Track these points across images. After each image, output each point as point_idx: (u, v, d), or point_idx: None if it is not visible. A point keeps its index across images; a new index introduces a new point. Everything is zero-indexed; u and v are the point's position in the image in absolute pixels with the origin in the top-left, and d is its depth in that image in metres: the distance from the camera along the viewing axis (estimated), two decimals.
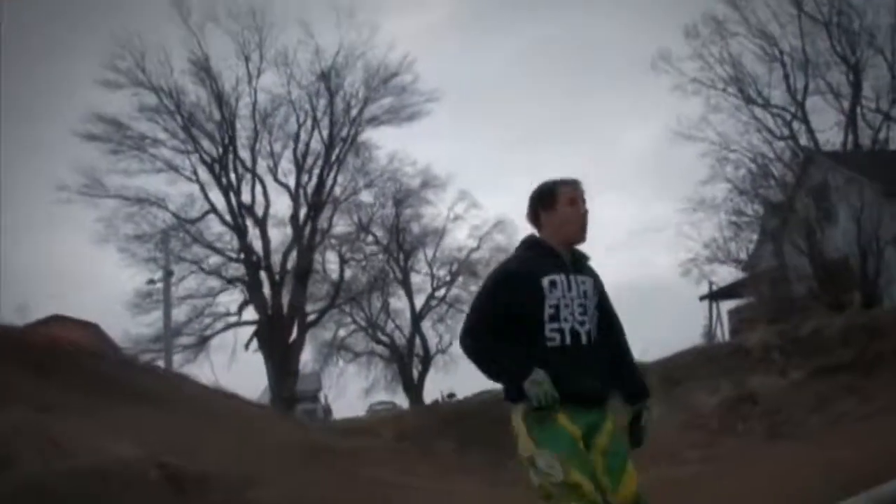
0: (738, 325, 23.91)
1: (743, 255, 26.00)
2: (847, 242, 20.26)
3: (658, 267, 56.58)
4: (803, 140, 28.64)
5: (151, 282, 27.29)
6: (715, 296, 27.38)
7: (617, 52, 59.89)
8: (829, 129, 28.99)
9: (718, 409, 12.72)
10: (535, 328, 3.23)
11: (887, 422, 10.25)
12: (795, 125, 29.03)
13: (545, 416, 3.13)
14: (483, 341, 3.27)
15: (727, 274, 26.54)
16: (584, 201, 3.47)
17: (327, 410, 30.73)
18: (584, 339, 3.27)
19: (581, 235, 3.44)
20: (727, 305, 27.63)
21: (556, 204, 3.39)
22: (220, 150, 28.62)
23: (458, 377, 31.15)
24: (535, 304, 3.23)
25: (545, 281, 3.25)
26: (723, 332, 26.16)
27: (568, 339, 3.23)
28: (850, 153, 27.17)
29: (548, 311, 3.22)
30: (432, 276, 32.75)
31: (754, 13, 28.93)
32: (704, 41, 29.06)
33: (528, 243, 3.46)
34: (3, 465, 7.93)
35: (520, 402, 3.18)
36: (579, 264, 3.42)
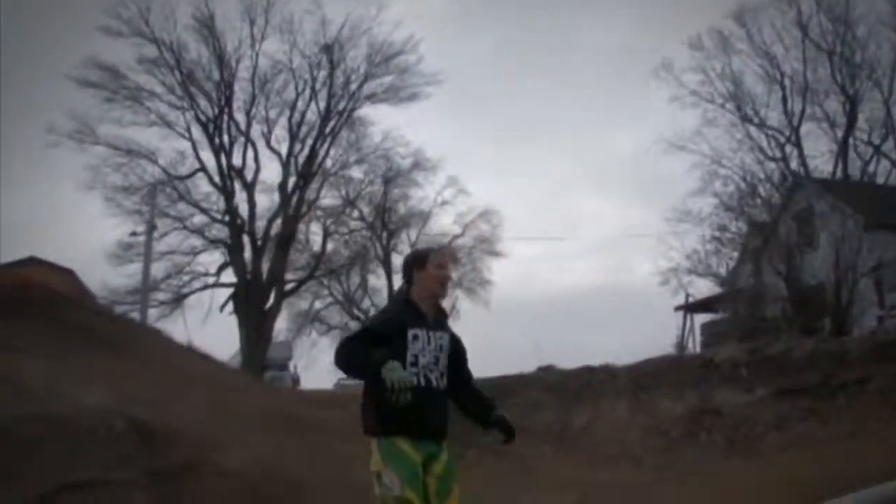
0: (710, 338, 24.16)
1: (722, 271, 26.28)
2: (825, 269, 20.51)
3: (637, 273, 57.00)
4: (794, 164, 29.02)
5: (134, 234, 27.26)
6: (690, 308, 27.63)
7: (619, 55, 60.04)
8: (820, 156, 29.38)
9: (682, 418, 12.89)
10: None
11: (842, 446, 10.48)
12: (788, 148, 29.40)
13: (392, 444, 3.88)
14: (355, 345, 3.96)
15: (704, 287, 26.83)
16: (449, 266, 4.37)
17: (296, 380, 30.80)
18: (434, 383, 4.02)
19: (443, 292, 4.28)
20: (701, 318, 27.91)
21: (427, 266, 4.18)
22: (216, 110, 28.53)
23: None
24: (400, 349, 3.93)
25: (410, 334, 4.00)
26: (694, 344, 26.44)
27: (422, 382, 3.94)
28: (838, 182, 27.50)
29: (409, 358, 3.94)
30: None
31: (759, 32, 29.23)
32: (708, 54, 29.30)
33: (404, 302, 4.19)
34: None
35: (377, 432, 3.93)
36: (440, 322, 4.21)
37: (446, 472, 4.04)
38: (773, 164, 28.89)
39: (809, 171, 28.24)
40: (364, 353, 3.85)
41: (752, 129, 29.46)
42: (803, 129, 29.26)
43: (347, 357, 3.93)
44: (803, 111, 29.17)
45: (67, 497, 7.07)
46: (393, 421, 3.85)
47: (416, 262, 4.23)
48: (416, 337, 4.02)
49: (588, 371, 14.65)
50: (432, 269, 4.18)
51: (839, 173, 28.61)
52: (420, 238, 31.72)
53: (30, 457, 7.51)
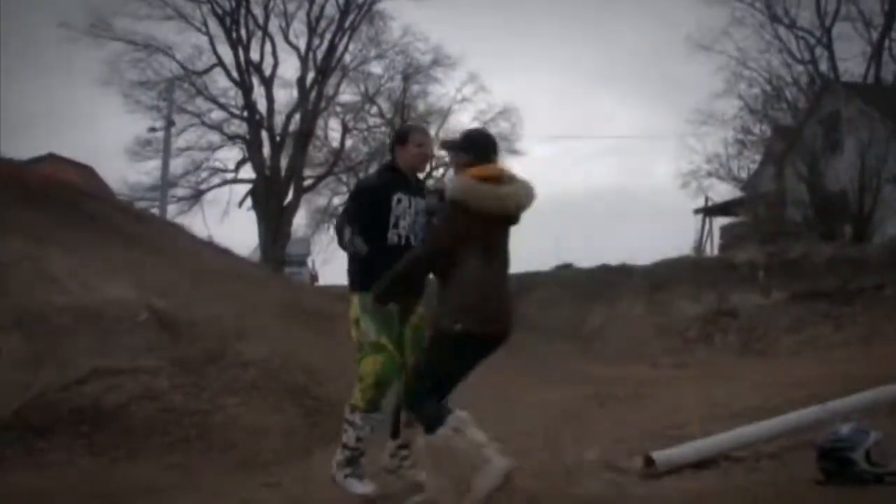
0: (729, 241, 24.15)
1: (743, 175, 26.05)
2: (849, 175, 20.27)
3: (657, 175, 56.60)
4: (823, 67, 28.18)
5: (152, 130, 27.11)
6: (710, 211, 27.54)
7: None
8: (852, 59, 28.56)
9: (698, 319, 13.05)
10: (382, 228, 4.51)
11: (857, 350, 10.60)
12: (818, 51, 28.48)
13: (370, 296, 4.31)
14: (342, 225, 4.59)
15: (725, 191, 26.66)
16: (428, 144, 4.85)
17: (314, 276, 31.15)
18: (413, 243, 4.53)
19: (421, 166, 4.87)
20: (720, 222, 27.86)
21: (408, 143, 4.70)
22: (233, 3, 27.96)
23: None
24: (385, 211, 4.52)
25: (394, 198, 4.54)
26: (713, 247, 26.47)
27: (403, 241, 4.51)
28: (869, 86, 26.77)
29: (391, 220, 4.52)
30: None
31: None
32: None
33: (388, 166, 4.78)
34: (3, 293, 8.15)
35: (358, 287, 4.50)
36: (419, 189, 4.71)
37: (421, 323, 4.59)
38: (801, 67, 28.12)
39: (839, 75, 27.48)
40: (347, 234, 4.49)
41: (782, 30, 28.54)
42: (836, 30, 28.32)
43: (338, 238, 4.62)
44: (837, 10, 28.13)
45: (97, 382, 7.29)
46: (374, 276, 4.28)
47: (399, 138, 4.79)
48: (399, 201, 4.56)
49: (605, 270, 14.76)
50: (412, 147, 4.69)
51: (871, 78, 27.83)
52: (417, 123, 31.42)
53: (61, 343, 7.72)
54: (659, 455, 5.25)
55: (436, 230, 4.29)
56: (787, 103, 25.36)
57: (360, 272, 4.50)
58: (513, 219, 4.29)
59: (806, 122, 23.41)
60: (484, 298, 4.09)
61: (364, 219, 4.51)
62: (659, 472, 5.15)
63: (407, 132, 4.82)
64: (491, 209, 4.11)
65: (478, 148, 4.37)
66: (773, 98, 25.53)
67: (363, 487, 4.59)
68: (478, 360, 4.26)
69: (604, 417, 7.76)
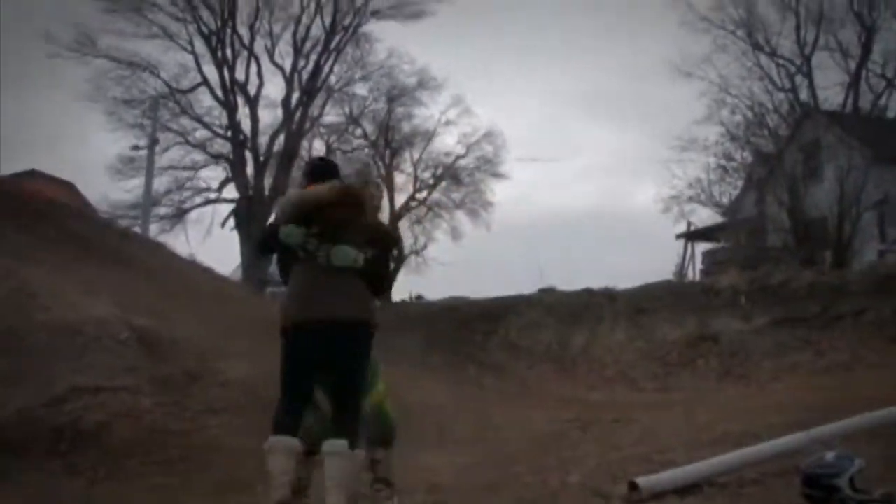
0: (711, 266, 24.27)
1: (725, 200, 26.25)
2: (828, 202, 20.48)
3: (638, 200, 56.89)
4: (803, 95, 28.56)
5: (136, 147, 27.03)
6: (692, 236, 27.70)
7: None
8: (831, 88, 28.90)
9: (679, 343, 13.06)
10: None
11: (838, 376, 10.65)
12: (798, 79, 28.89)
13: None
14: None
15: (706, 216, 26.83)
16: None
17: None
18: None
19: None
20: (702, 247, 28.00)
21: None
22: (219, 23, 28.02)
23: (428, 280, 31.61)
24: None
25: None
26: (694, 272, 26.58)
27: None
28: (848, 114, 27.16)
29: None
30: (416, 178, 32.70)
31: None
32: None
33: None
34: None
35: None
36: None
37: None
38: (782, 95, 28.49)
39: (819, 103, 27.86)
40: None
41: (763, 58, 28.94)
42: (815, 60, 28.76)
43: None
44: (816, 40, 28.61)
45: (77, 400, 7.21)
46: None
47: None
48: None
49: (588, 294, 14.76)
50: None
51: (849, 106, 28.23)
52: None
53: (39, 362, 7.64)
54: (643, 481, 5.24)
55: None
56: (769, 130, 25.61)
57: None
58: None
59: (786, 149, 23.65)
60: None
61: None
62: (643, 498, 5.14)
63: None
64: None
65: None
66: (754, 124, 25.79)
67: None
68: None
69: (587, 441, 7.75)
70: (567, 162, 62.27)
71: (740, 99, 27.47)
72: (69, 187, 26.98)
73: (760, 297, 14.14)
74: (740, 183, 26.07)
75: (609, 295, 14.72)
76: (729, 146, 25.82)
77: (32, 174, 23.92)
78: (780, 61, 28.95)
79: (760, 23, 28.94)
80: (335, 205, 4.40)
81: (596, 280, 19.58)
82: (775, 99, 28.05)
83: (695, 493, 5.23)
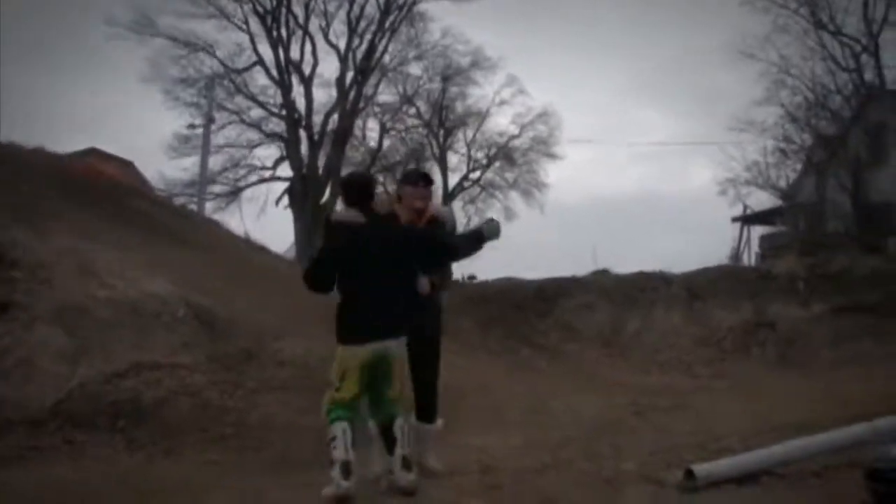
0: (768, 251, 23.83)
1: (783, 184, 25.68)
2: (894, 187, 19.90)
3: (694, 182, 56.02)
4: (869, 75, 27.61)
5: (192, 126, 27.38)
6: (748, 219, 27.19)
7: None
8: None
9: (735, 329, 12.84)
10: None
11: None
12: (864, 58, 27.92)
13: None
14: None
15: (763, 199, 26.28)
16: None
17: None
18: None
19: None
20: (758, 231, 27.50)
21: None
22: (274, 2, 28.11)
23: (480, 262, 31.56)
24: None
25: None
26: (750, 257, 26.12)
27: None
28: None
29: None
30: (469, 158, 32.65)
31: None
32: None
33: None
34: (46, 287, 8.25)
35: None
36: None
37: None
38: (845, 75, 27.58)
39: (886, 84, 26.96)
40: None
41: (826, 37, 28.04)
42: (883, 38, 27.74)
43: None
44: (885, 17, 27.52)
45: (136, 377, 7.35)
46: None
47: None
48: None
49: (642, 277, 14.57)
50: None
51: None
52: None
53: (101, 338, 7.80)
54: (699, 468, 5.17)
55: None
56: (831, 112, 24.89)
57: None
58: None
59: (849, 132, 22.99)
60: None
61: None
62: (699, 486, 5.07)
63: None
64: None
65: None
66: (815, 106, 25.08)
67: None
68: None
69: (641, 427, 7.68)
70: (621, 144, 61.67)
71: (801, 80, 26.68)
72: (128, 166, 27.50)
73: (819, 284, 13.84)
74: (799, 166, 25.47)
75: (664, 278, 14.51)
76: (788, 128, 25.20)
77: (92, 153, 24.43)
78: (845, 40, 27.99)
79: (825, 0, 28.02)
80: None
81: (649, 263, 19.33)
82: (838, 79, 27.15)
83: (753, 482, 5.15)
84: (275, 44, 28.06)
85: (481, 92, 31.74)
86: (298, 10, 28.37)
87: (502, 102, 32.15)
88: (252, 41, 28.10)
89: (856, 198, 20.60)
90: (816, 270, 14.31)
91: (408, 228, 5.34)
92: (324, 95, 29.21)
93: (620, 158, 56.71)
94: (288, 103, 28.20)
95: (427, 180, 5.54)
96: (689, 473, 5.14)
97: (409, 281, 5.23)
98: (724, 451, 5.83)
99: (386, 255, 5.07)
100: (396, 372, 5.17)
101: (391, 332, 5.08)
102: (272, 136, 29.01)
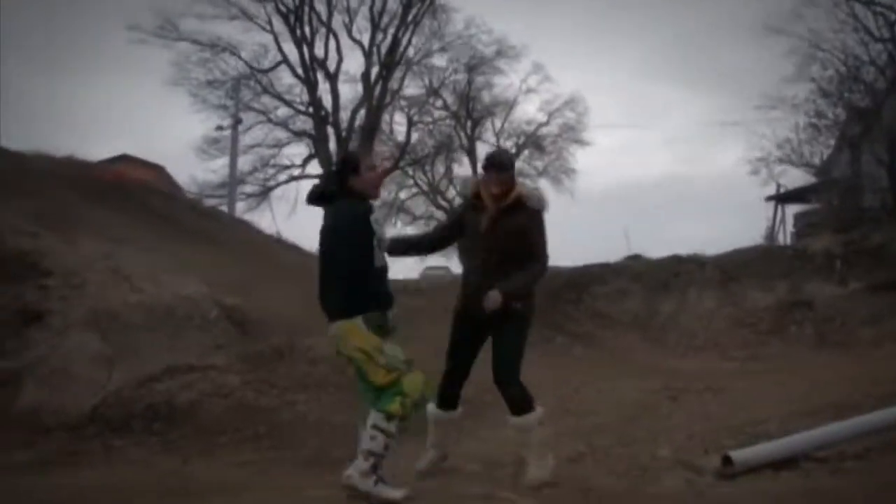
0: (803, 229, 23.45)
1: (816, 160, 25.20)
2: None
3: (724, 163, 55.39)
4: None
5: (220, 128, 27.58)
6: (782, 198, 26.79)
7: None
8: None
9: (771, 310, 12.63)
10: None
11: None
12: None
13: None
14: None
15: (797, 177, 25.84)
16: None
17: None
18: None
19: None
20: (792, 209, 27.08)
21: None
22: (297, 0, 28.22)
23: None
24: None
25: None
26: (785, 236, 25.73)
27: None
28: None
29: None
30: (498, 147, 32.55)
31: None
32: None
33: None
34: (79, 293, 8.36)
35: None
36: None
37: None
38: (880, 46, 26.96)
39: None
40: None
41: (858, 7, 27.44)
42: None
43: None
44: None
45: (170, 380, 7.43)
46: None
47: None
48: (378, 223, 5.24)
49: (675, 260, 14.39)
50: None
51: None
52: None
53: (135, 342, 7.89)
54: (737, 454, 5.10)
55: (543, 244, 5.21)
56: (865, 84, 24.35)
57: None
58: None
59: (885, 104, 22.48)
60: None
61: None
62: (736, 472, 4.99)
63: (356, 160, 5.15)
64: None
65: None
66: (848, 79, 24.54)
67: (398, 492, 4.56)
68: None
69: (677, 412, 7.58)
70: (650, 128, 61.12)
71: (832, 53, 26.16)
72: (159, 170, 27.83)
73: (857, 261, 13.58)
74: (832, 142, 24.99)
75: (697, 261, 14.32)
76: (821, 103, 24.68)
77: (124, 159, 24.72)
78: (878, 9, 27.37)
79: None
80: None
81: (682, 246, 19.12)
82: (872, 50, 26.49)
83: (791, 467, 5.06)
84: (299, 42, 28.17)
85: (507, 81, 31.73)
86: (321, 7, 28.47)
87: (529, 91, 32.11)
88: (276, 41, 28.25)
89: (892, 171, 20.15)
90: (853, 247, 14.03)
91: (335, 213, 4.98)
92: (350, 91, 29.31)
93: (650, 142, 56.19)
94: (314, 101, 28.31)
95: (500, 167, 5.25)
96: (727, 459, 5.07)
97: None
98: (761, 436, 5.73)
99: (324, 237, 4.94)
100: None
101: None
102: (300, 135, 29.17)
